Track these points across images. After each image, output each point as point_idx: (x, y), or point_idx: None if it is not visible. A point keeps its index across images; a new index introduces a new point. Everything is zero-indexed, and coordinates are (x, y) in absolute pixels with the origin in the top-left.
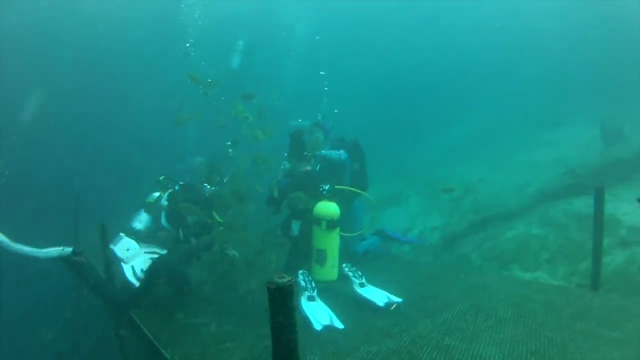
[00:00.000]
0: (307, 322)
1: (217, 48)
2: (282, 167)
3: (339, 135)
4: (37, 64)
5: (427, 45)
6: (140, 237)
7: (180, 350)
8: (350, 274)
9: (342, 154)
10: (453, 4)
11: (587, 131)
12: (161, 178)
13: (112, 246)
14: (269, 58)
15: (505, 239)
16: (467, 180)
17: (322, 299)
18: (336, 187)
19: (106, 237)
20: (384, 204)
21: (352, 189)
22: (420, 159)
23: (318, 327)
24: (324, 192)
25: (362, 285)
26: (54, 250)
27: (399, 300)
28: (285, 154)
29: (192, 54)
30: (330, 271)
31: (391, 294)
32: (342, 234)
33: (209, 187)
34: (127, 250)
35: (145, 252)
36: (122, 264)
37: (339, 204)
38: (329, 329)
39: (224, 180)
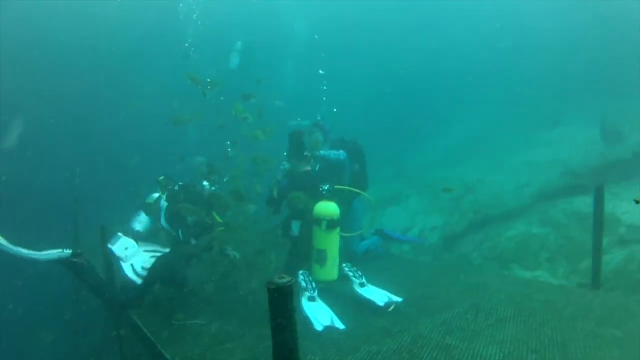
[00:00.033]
0: (307, 323)
1: (216, 48)
2: (281, 167)
3: (339, 136)
4: (37, 64)
5: (427, 46)
6: (139, 238)
7: (180, 351)
8: (351, 273)
9: (341, 154)
10: (453, 4)
11: (586, 131)
12: (161, 178)
13: (110, 245)
14: (268, 58)
15: (505, 239)
16: (467, 179)
17: (322, 299)
18: (336, 187)
19: (106, 238)
20: (384, 203)
21: (352, 189)
22: (420, 160)
23: (319, 327)
24: (324, 192)
25: (362, 285)
26: (53, 253)
27: (399, 299)
28: (285, 153)
29: (191, 54)
30: (330, 271)
31: (391, 293)
32: (342, 234)
33: (208, 185)
34: (126, 249)
35: (144, 251)
36: (121, 262)
37: (338, 204)
38: (329, 329)
39: (224, 180)
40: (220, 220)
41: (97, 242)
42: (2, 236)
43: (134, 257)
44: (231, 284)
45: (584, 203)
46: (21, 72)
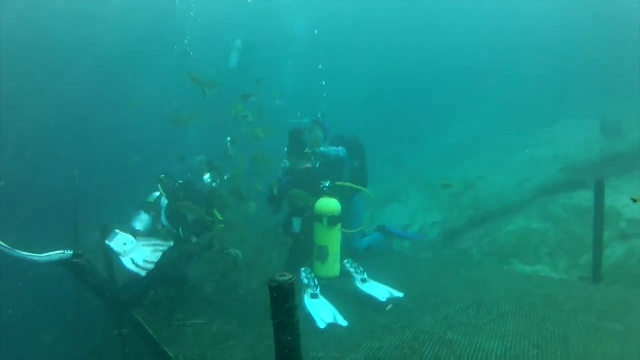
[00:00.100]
0: (310, 320)
1: (216, 48)
2: (282, 165)
3: (339, 133)
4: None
5: (427, 45)
6: (139, 235)
7: (181, 350)
8: (352, 270)
9: (340, 150)
10: (453, 4)
11: (586, 127)
12: (162, 176)
13: (107, 242)
14: (268, 58)
15: (505, 234)
16: (467, 176)
17: (324, 296)
18: (336, 183)
19: (106, 237)
20: (385, 201)
21: (353, 185)
22: (420, 159)
23: (322, 325)
24: (325, 189)
25: (364, 281)
26: (54, 254)
27: (401, 295)
28: (286, 149)
29: (191, 53)
30: (332, 268)
31: (392, 289)
32: (344, 230)
33: (210, 179)
34: (124, 244)
35: (143, 246)
36: (121, 257)
37: (339, 200)
38: (332, 326)
39: (225, 178)
40: (221, 218)
41: (98, 242)
42: (2, 241)
43: (133, 252)
44: (231, 284)
45: (584, 198)
46: (21, 72)
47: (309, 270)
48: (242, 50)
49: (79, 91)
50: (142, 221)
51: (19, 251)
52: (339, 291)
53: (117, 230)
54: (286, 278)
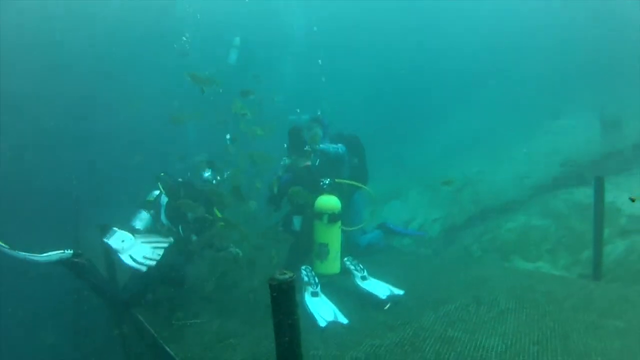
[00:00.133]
0: (311, 318)
1: (216, 48)
2: (282, 162)
3: (338, 130)
4: (37, 65)
5: (427, 45)
6: (138, 233)
7: (182, 349)
8: (352, 267)
9: (339, 147)
10: (453, 4)
11: (586, 123)
12: (162, 174)
13: (105, 240)
14: (268, 57)
15: (505, 230)
16: (467, 173)
17: (325, 293)
18: (336, 181)
19: (105, 236)
20: (384, 199)
21: (352, 182)
22: (420, 159)
23: (322, 323)
24: (325, 186)
25: (364, 278)
26: (54, 254)
27: (401, 292)
28: (285, 145)
29: (187, 47)
30: (332, 265)
31: (393, 286)
32: (344, 227)
33: (210, 174)
34: (122, 241)
35: (142, 242)
36: (119, 254)
37: (339, 197)
38: (332, 324)
39: (224, 176)
40: (221, 216)
41: (98, 242)
42: (2, 241)
43: (131, 248)
44: (231, 282)
45: (584, 194)
46: (21, 72)
47: (309, 268)
48: (240, 47)
49: (78, 91)
50: (141, 219)
51: (18, 251)
52: (339, 289)
53: (114, 228)
54: (286, 276)
